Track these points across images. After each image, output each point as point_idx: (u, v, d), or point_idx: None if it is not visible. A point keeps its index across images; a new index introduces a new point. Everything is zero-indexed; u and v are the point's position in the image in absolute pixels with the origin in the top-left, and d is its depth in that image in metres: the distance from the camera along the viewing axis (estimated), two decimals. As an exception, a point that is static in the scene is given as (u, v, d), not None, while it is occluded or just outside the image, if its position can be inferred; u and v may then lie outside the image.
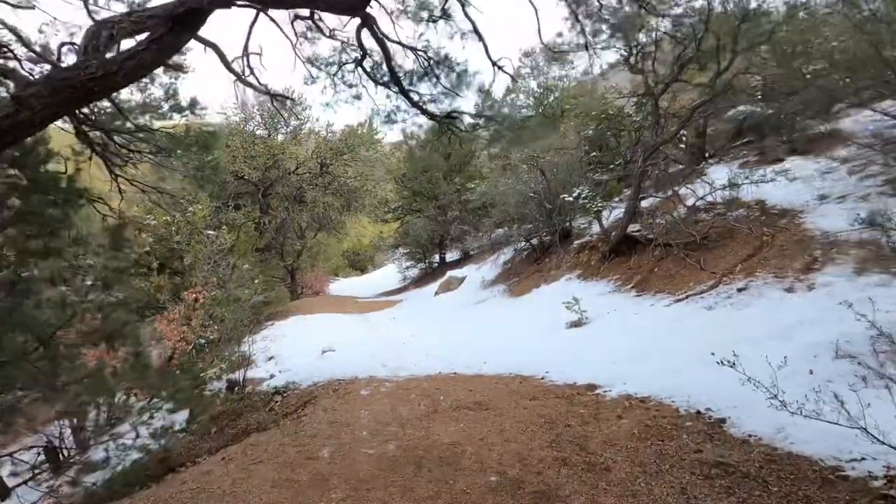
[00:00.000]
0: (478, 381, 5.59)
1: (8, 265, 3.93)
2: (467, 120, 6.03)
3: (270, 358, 9.26)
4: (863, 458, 2.88)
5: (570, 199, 10.77)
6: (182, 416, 8.60)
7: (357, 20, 4.56)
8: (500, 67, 5.77)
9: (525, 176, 11.82)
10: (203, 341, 8.90)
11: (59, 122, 3.98)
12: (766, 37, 7.12)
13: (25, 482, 4.23)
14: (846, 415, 2.63)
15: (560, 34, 9.71)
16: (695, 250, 8.03)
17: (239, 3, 3.83)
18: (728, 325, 5.79)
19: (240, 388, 8.38)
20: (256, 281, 10.02)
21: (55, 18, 4.75)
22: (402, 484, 3.43)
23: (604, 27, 6.58)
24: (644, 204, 10.24)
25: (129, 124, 5.53)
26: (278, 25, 5.13)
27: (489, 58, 5.51)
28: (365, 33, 4.73)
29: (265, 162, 12.80)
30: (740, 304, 6.14)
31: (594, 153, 12.07)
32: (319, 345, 9.07)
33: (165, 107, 5.81)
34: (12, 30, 4.17)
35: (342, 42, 5.48)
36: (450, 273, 15.10)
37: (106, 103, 5.51)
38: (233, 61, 4.92)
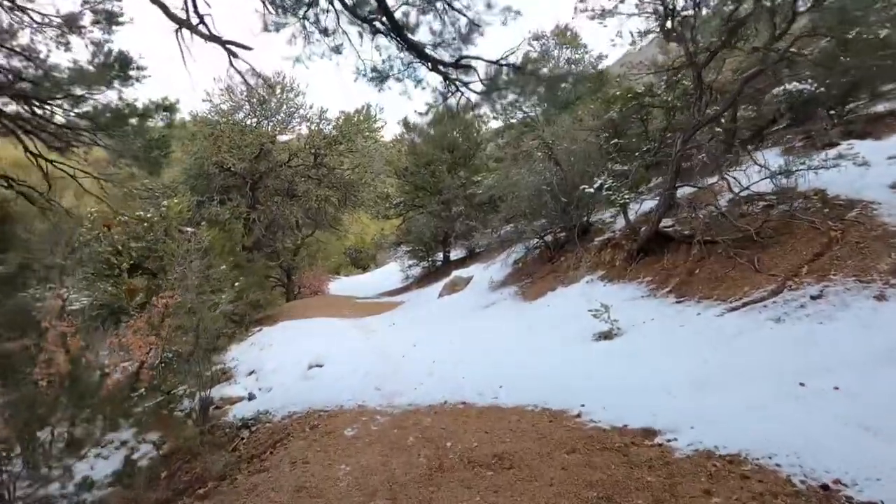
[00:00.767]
0: (494, 415, 4.42)
1: None
2: (481, 78, 4.78)
3: (251, 372, 8.12)
4: None
5: (591, 190, 9.56)
6: (149, 446, 7.50)
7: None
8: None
9: (540, 165, 10.61)
10: (170, 354, 7.76)
11: None
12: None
13: None
14: None
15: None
16: (744, 248, 6.81)
17: None
18: (809, 343, 4.59)
19: (205, 415, 7.27)
20: (237, 284, 8.87)
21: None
22: None
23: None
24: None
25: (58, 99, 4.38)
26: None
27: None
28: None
29: (252, 152, 11.66)
30: (820, 316, 4.92)
31: (615, 140, 10.83)
32: (307, 356, 7.93)
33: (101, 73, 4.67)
34: None
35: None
36: (455, 273, 13.92)
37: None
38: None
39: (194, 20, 3.82)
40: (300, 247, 20.36)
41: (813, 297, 5.26)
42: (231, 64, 4.03)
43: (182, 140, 11.29)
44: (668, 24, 7.06)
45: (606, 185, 9.17)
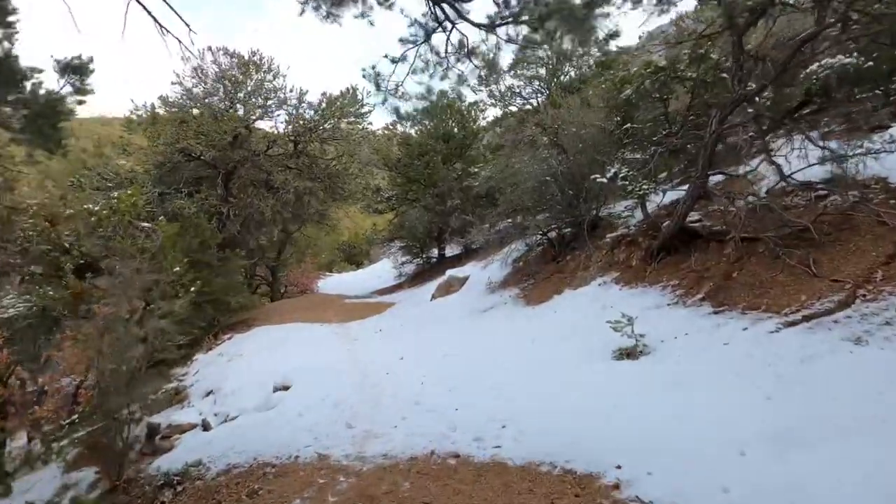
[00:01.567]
0: (497, 481, 3.27)
1: None
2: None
3: (209, 393, 6.95)
4: None
5: (603, 179, 8.40)
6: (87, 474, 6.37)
7: None
8: None
9: (544, 152, 9.43)
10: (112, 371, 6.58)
11: None
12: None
13: None
14: None
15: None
16: (794, 247, 5.67)
17: None
18: (913, 375, 3.47)
19: (153, 443, 6.14)
20: (193, 289, 7.67)
21: None
22: None
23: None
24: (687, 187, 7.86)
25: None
26: None
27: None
28: None
29: (223, 138, 10.43)
30: (919, 338, 3.80)
31: (628, 125, 9.66)
32: (274, 375, 6.76)
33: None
34: None
35: None
36: (450, 272, 12.76)
37: None
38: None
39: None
40: (285, 243, 19.18)
41: (902, 312, 4.13)
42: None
43: (144, 125, 10.05)
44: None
45: (622, 174, 8.00)
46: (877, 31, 6.13)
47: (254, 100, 11.55)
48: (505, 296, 10.08)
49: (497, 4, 3.98)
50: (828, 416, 3.20)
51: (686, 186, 7.22)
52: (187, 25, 3.96)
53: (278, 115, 11.60)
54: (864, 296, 4.59)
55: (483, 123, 19.48)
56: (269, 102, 11.71)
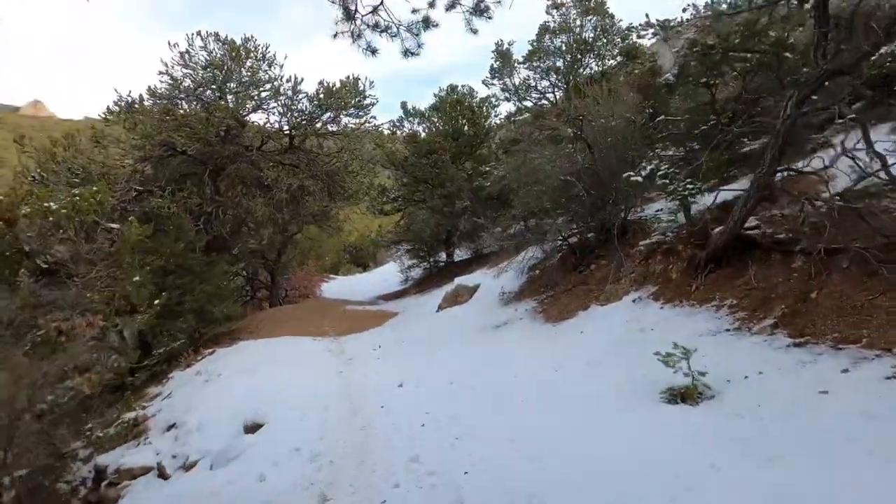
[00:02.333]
0: None
1: None
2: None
3: (171, 426, 5.89)
4: None
5: (638, 178, 7.23)
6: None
7: None
8: None
9: (569, 147, 8.26)
10: (61, 400, 5.52)
11: None
12: None
13: None
14: None
15: None
16: (892, 261, 4.47)
17: None
18: None
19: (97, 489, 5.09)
20: (157, 301, 6.62)
21: None
22: None
23: None
24: (732, 187, 6.65)
25: None
26: None
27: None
28: None
29: (208, 131, 9.40)
30: None
31: (662, 117, 8.48)
32: (249, 406, 5.68)
33: None
34: None
35: None
36: (458, 280, 11.63)
37: None
38: None
39: None
40: (285, 245, 18.18)
41: None
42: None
43: (122, 115, 9.04)
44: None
45: (661, 171, 6.83)
46: None
47: (246, 90, 10.51)
48: (520, 309, 8.93)
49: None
50: None
51: (733, 186, 6.04)
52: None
53: (273, 108, 10.57)
54: None
55: (496, 121, 18.36)
56: (263, 93, 10.67)
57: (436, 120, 18.49)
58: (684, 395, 4.33)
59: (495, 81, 15.45)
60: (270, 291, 18.88)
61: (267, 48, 11.17)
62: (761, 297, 5.31)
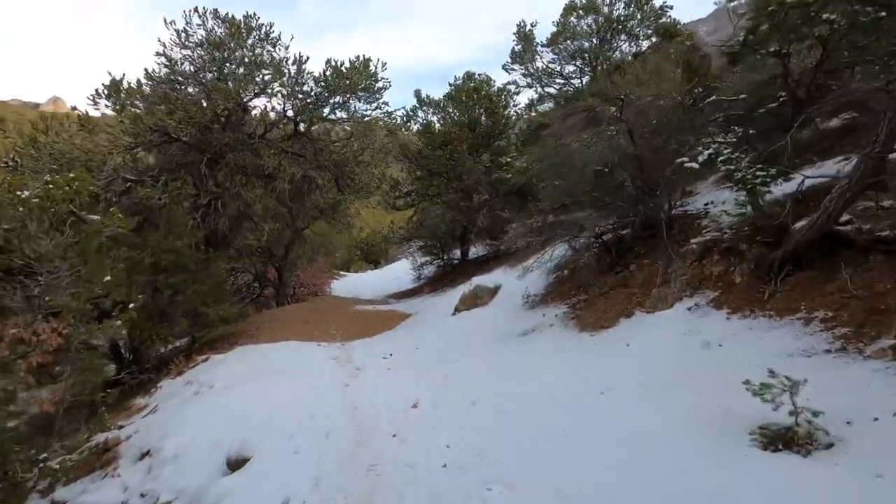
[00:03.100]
0: None
1: None
2: None
3: (145, 454, 5.01)
4: None
5: (693, 164, 6.18)
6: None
7: None
8: None
9: (612, 129, 7.21)
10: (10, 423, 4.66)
11: None
12: None
13: None
14: None
15: None
16: None
17: None
18: None
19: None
20: (133, 306, 5.75)
21: None
22: None
23: None
24: (811, 172, 5.50)
25: None
26: None
27: None
28: None
29: (202, 114, 8.49)
30: None
31: (714, 96, 7.40)
32: (234, 432, 4.78)
33: None
34: None
35: None
36: (477, 281, 10.65)
37: None
38: None
39: None
40: (293, 241, 17.36)
41: None
42: None
43: (109, 95, 8.20)
44: None
45: (722, 156, 5.76)
46: None
47: (248, 72, 9.62)
48: (549, 314, 7.92)
49: None
50: None
51: (814, 171, 4.97)
52: None
53: (276, 91, 9.63)
54: None
55: (515, 111, 17.29)
56: (266, 76, 9.75)
57: (451, 110, 17.50)
58: (788, 440, 3.31)
59: (516, 66, 14.38)
60: (277, 290, 18.11)
61: (271, 27, 10.27)
62: (866, 309, 4.25)
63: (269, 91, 10.22)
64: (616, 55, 12.83)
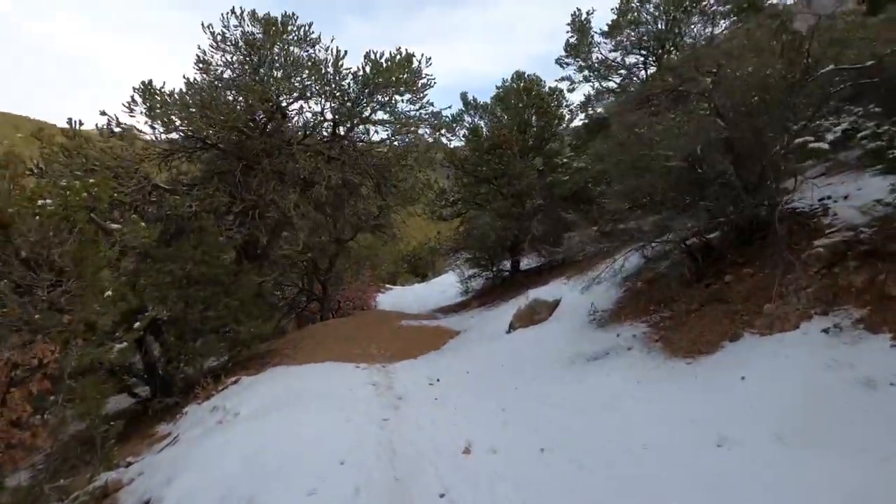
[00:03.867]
0: None
1: None
2: None
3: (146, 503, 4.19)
4: None
5: (822, 145, 4.83)
6: None
7: None
8: None
9: (704, 108, 5.93)
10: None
11: None
12: None
13: None
14: None
15: None
16: None
17: None
18: None
19: None
20: (137, 325, 5.03)
21: None
22: None
23: None
24: None
25: None
26: None
27: None
28: None
29: (235, 118, 7.91)
30: None
31: (831, 66, 5.95)
32: (253, 480, 3.89)
33: None
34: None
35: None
36: (533, 294, 9.48)
37: None
38: None
39: None
40: (337, 254, 16.86)
41: None
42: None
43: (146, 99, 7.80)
44: None
45: (865, 132, 4.38)
46: None
47: (286, 75, 9.05)
48: (624, 334, 6.64)
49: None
50: None
51: None
52: None
53: (314, 91, 8.95)
54: None
55: (569, 110, 16.06)
56: (306, 80, 9.13)
57: (499, 113, 16.53)
58: None
59: (570, 60, 13.20)
60: (322, 303, 17.62)
61: (310, 27, 9.70)
62: None
63: (308, 94, 9.60)
64: (687, 40, 11.39)
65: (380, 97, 9.51)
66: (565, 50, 12.96)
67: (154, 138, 8.03)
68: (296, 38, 9.42)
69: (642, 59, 12.32)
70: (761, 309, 5.30)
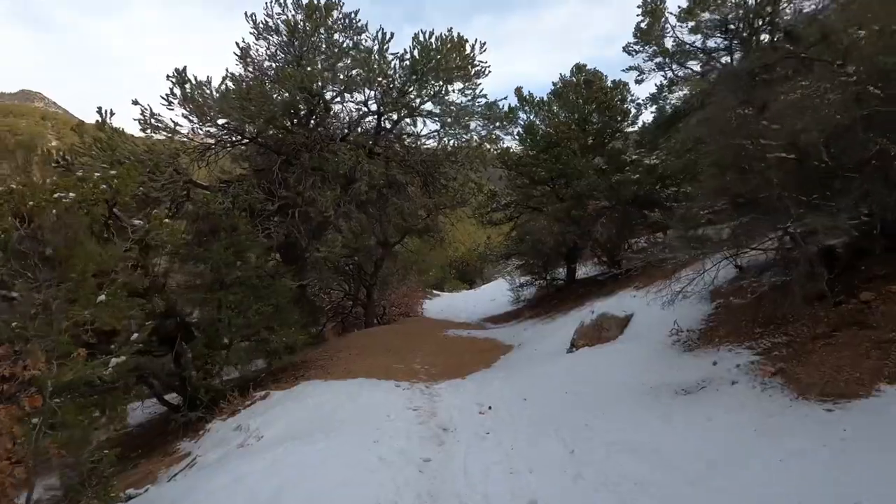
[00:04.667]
0: None
1: None
2: None
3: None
4: None
5: None
6: None
7: None
8: None
9: (845, 73, 4.61)
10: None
11: None
12: None
13: None
14: None
15: None
16: None
17: None
18: None
19: None
20: (136, 335, 4.33)
21: None
22: None
23: None
24: None
25: None
26: None
27: None
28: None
29: (274, 109, 7.28)
30: None
31: None
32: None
33: None
34: None
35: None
36: (600, 307, 8.24)
37: None
38: None
39: None
40: (383, 258, 16.19)
41: None
42: None
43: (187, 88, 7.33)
44: None
45: None
46: None
47: (329, 64, 8.39)
48: (725, 362, 5.33)
49: None
50: None
51: None
52: None
53: (358, 79, 8.21)
54: None
55: (634, 105, 14.65)
56: (352, 69, 8.42)
57: (556, 109, 15.34)
58: None
59: (639, 47, 11.83)
60: (366, 309, 16.99)
61: (355, 15, 9.02)
62: None
63: (353, 86, 8.88)
64: (786, 17, 9.76)
65: (429, 88, 8.64)
66: (634, 36, 11.62)
67: (191, 132, 7.60)
68: (340, 25, 8.76)
69: (726, 42, 10.78)
70: (936, 340, 3.92)
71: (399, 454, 4.42)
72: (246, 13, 8.89)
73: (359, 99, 8.94)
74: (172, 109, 7.90)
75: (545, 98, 15.30)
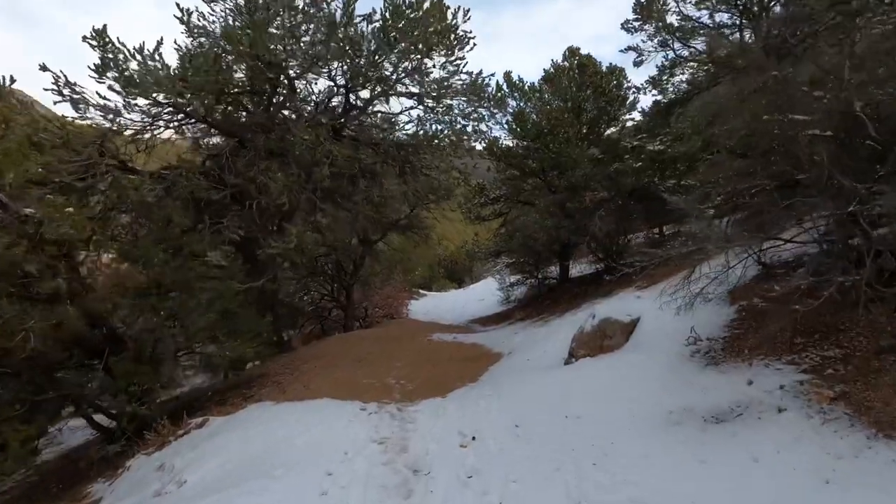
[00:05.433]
0: None
1: None
2: None
3: None
4: None
5: None
6: None
7: None
8: None
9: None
10: None
11: None
12: None
13: None
14: None
15: None
16: None
17: None
18: None
19: None
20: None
21: None
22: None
23: None
24: None
25: None
26: None
27: None
28: None
29: (218, 81, 6.10)
30: None
31: None
32: None
33: None
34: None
35: None
36: (600, 310, 7.17)
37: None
38: None
39: None
40: (363, 256, 15.09)
41: None
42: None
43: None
44: None
45: None
46: None
47: (289, 31, 7.22)
48: (764, 381, 4.31)
49: None
50: None
51: None
52: None
53: (322, 50, 7.07)
54: None
55: (633, 89, 13.69)
56: (316, 33, 7.23)
57: (548, 96, 14.30)
58: None
59: (639, 24, 10.84)
60: (345, 311, 15.86)
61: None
62: None
63: (317, 58, 7.70)
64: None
65: (405, 60, 7.50)
66: (634, 11, 10.62)
67: (123, 107, 6.39)
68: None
69: (736, 17, 9.80)
70: None
71: (352, 511, 3.32)
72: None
73: (325, 74, 7.76)
74: (103, 82, 6.69)
75: (536, 84, 14.26)
